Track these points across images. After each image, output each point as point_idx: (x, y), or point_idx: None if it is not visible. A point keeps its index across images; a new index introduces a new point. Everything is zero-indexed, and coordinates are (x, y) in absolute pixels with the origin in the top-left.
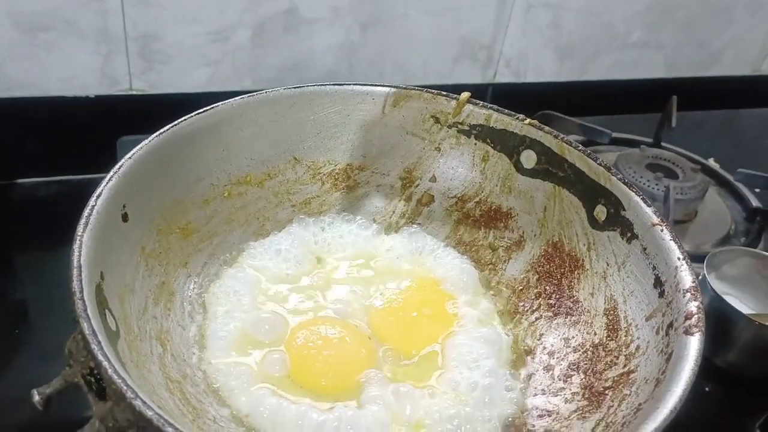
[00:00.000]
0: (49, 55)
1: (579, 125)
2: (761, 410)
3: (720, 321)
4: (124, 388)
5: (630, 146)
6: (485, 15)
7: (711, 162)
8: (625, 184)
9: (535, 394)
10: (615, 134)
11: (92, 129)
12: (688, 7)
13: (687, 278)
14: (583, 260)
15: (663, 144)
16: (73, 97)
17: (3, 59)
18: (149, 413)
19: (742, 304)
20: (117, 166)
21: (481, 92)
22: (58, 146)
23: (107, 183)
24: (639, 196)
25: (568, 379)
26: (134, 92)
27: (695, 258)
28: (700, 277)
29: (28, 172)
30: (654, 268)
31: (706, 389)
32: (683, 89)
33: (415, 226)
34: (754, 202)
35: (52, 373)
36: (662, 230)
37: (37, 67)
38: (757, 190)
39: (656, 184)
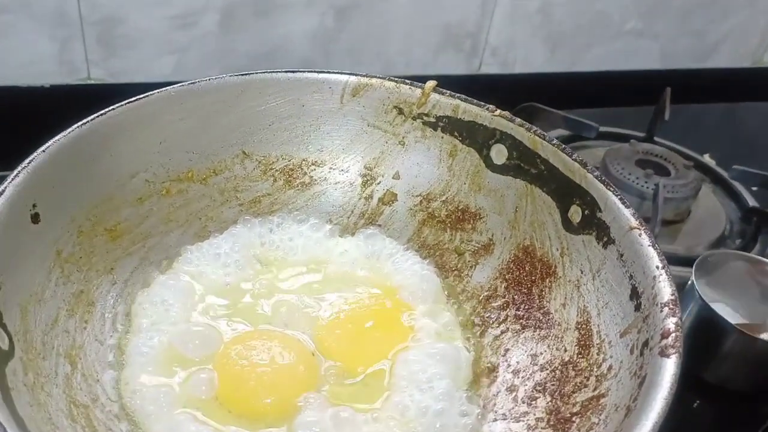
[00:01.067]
0: (4, 40)
1: (564, 118)
2: (753, 426)
3: (708, 332)
4: None
5: (620, 141)
6: (470, 1)
7: (706, 158)
8: (602, 182)
9: (495, 419)
10: (604, 128)
11: (49, 121)
12: None
13: (666, 290)
14: (555, 267)
15: (656, 139)
16: (27, 87)
17: None
18: None
19: (733, 312)
20: (26, 161)
21: (465, 83)
22: (11, 139)
23: (12, 180)
24: (617, 195)
25: (533, 402)
26: (93, 81)
27: (687, 261)
28: (689, 283)
29: None
30: (631, 277)
31: (695, 405)
32: (679, 81)
33: (375, 227)
34: (751, 202)
35: None
36: (641, 234)
37: None
38: (754, 188)
39: (645, 182)
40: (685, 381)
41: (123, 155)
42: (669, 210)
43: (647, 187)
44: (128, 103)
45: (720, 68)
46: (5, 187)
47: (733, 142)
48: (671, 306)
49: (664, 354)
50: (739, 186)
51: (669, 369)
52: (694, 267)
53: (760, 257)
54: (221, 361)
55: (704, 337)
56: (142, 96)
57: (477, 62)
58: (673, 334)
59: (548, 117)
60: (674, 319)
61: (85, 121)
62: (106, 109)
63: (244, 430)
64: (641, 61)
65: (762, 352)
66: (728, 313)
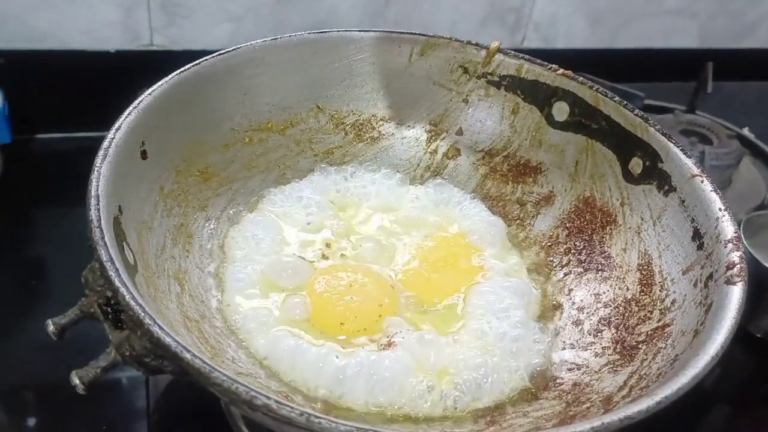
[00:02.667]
0: (71, 5)
1: (611, 88)
2: None
3: (755, 286)
4: (142, 314)
5: (663, 113)
6: None
7: (746, 131)
8: (664, 135)
9: (563, 348)
10: (647, 101)
11: (112, 85)
12: None
13: (728, 228)
14: (615, 215)
15: (697, 112)
16: (93, 51)
17: (25, 8)
18: (167, 339)
19: None
20: (136, 102)
21: None
22: (78, 101)
23: (126, 117)
24: (678, 146)
25: (599, 334)
26: (155, 48)
27: None
28: None
29: (48, 127)
30: (693, 220)
31: (738, 358)
32: (717, 60)
33: (440, 179)
34: None
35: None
36: (702, 181)
37: (59, 17)
38: None
39: (690, 149)
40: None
41: (211, 104)
42: (713, 177)
43: (692, 155)
44: (219, 54)
45: (758, 48)
46: (120, 124)
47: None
48: (734, 242)
49: (730, 282)
50: None
51: (736, 294)
52: (741, 226)
53: None
54: (312, 288)
55: (751, 291)
56: (229, 49)
57: (520, 37)
58: (738, 266)
59: None
60: (738, 253)
61: (181, 69)
62: (198, 60)
63: (337, 344)
64: (679, 39)
65: None
66: None
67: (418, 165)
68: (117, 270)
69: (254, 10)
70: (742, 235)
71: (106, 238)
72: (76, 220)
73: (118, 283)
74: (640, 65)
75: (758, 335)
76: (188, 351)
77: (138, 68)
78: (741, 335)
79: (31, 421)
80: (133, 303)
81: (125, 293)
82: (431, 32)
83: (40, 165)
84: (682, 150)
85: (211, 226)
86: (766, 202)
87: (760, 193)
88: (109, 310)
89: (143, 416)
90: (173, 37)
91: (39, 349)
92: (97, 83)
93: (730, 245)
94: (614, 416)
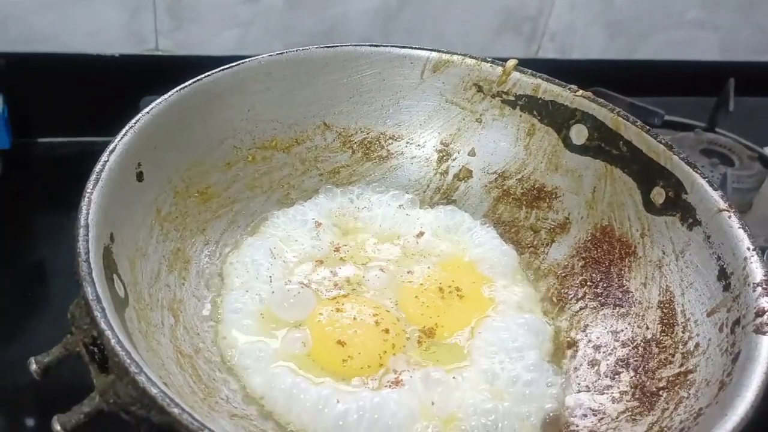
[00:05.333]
0: (75, 8)
1: (629, 104)
2: None
3: None
4: (128, 361)
5: (682, 129)
6: None
7: (767, 151)
8: (689, 164)
9: (579, 391)
10: (666, 117)
11: (116, 89)
12: None
13: (758, 271)
14: (635, 247)
15: (717, 129)
16: (97, 55)
17: (28, 10)
18: (154, 390)
19: None
20: (133, 121)
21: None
22: (80, 105)
23: (122, 138)
24: (704, 178)
25: (616, 377)
26: (160, 53)
27: None
28: None
29: (49, 131)
30: (719, 258)
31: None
32: (738, 74)
33: (451, 203)
34: None
35: (61, 339)
36: (730, 216)
37: (63, 20)
38: None
39: (711, 171)
40: None
41: (214, 121)
42: (732, 201)
43: (713, 176)
44: (222, 70)
45: None
46: (116, 145)
47: None
48: (765, 285)
49: (759, 331)
50: None
51: (766, 345)
52: (765, 255)
53: None
54: (314, 321)
55: None
56: (234, 64)
57: (535, 47)
58: None
59: (613, 102)
60: None
61: (183, 86)
62: (202, 75)
63: (337, 383)
64: (700, 52)
65: None
66: None
67: (428, 186)
68: (103, 309)
69: (262, 15)
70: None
71: (94, 273)
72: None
73: (103, 325)
74: (659, 78)
75: None
76: (176, 405)
77: (142, 73)
78: None
79: (24, 429)
80: (118, 348)
81: (111, 337)
82: (444, 41)
83: (41, 169)
84: (708, 182)
85: (210, 251)
86: None
87: None
88: (95, 351)
89: None
90: (179, 42)
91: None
92: (100, 87)
93: (759, 289)
94: None
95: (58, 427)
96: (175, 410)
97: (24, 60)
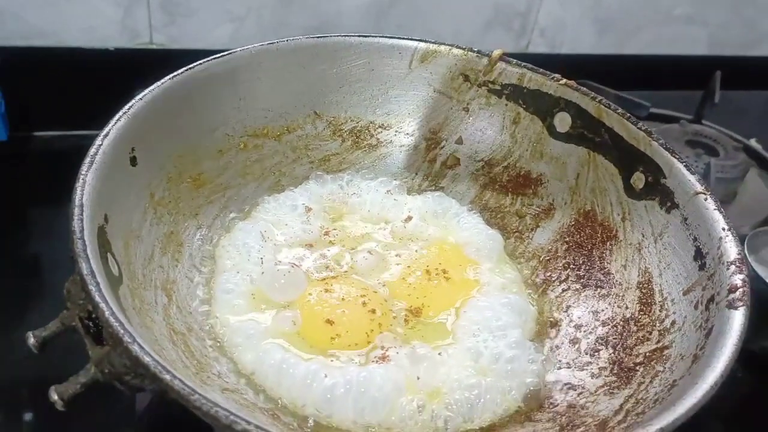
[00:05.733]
0: (70, 3)
1: (616, 96)
2: None
3: (758, 303)
4: (122, 331)
5: (669, 122)
6: None
7: (753, 142)
8: (668, 150)
9: (559, 368)
10: (654, 110)
11: (111, 83)
12: None
13: (732, 250)
14: (616, 230)
15: (704, 122)
16: (92, 48)
17: (24, 5)
18: (146, 359)
19: None
20: (127, 107)
21: None
22: (76, 99)
23: (115, 123)
24: (682, 162)
25: (596, 354)
26: (154, 46)
27: None
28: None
29: (45, 125)
30: (695, 239)
31: (738, 375)
32: (726, 68)
33: (439, 189)
34: None
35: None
36: (706, 199)
37: (58, 15)
38: None
39: (696, 161)
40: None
41: (206, 109)
42: (717, 190)
43: (697, 166)
44: (214, 58)
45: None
46: (109, 130)
47: None
48: (738, 264)
49: (732, 306)
50: None
51: (738, 319)
52: (745, 243)
53: None
54: (303, 301)
55: (753, 308)
56: (225, 53)
57: (525, 42)
58: (741, 289)
59: (599, 94)
60: (741, 276)
61: (175, 73)
62: (193, 64)
63: (326, 359)
64: (689, 47)
65: None
66: None
67: (416, 174)
68: (98, 284)
69: (256, 10)
70: (746, 251)
71: (88, 250)
72: None
73: (98, 298)
74: (648, 72)
75: (757, 352)
76: (168, 371)
77: (137, 66)
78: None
79: (22, 423)
80: (112, 319)
81: (105, 309)
82: (434, 36)
83: (37, 163)
84: (686, 166)
85: (202, 234)
86: None
87: (766, 207)
88: (90, 324)
89: (131, 424)
90: (173, 36)
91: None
92: (95, 81)
93: (732, 267)
94: None
95: (56, 397)
96: (167, 377)
97: (20, 55)
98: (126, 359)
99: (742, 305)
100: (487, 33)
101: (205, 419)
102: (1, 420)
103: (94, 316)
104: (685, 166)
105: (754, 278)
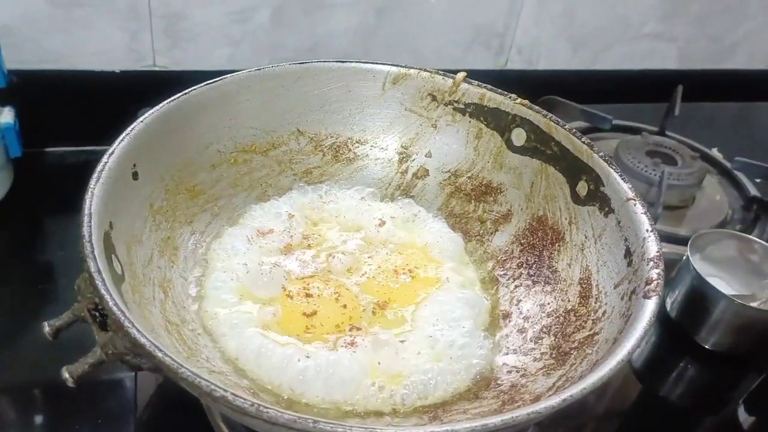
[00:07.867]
0: (84, 30)
1: (581, 111)
2: (745, 386)
3: (702, 301)
4: (122, 318)
5: (633, 133)
6: (499, 3)
7: (714, 152)
8: (605, 161)
9: (507, 353)
10: (618, 121)
11: (118, 102)
12: (702, 1)
13: (652, 248)
14: (564, 233)
15: (667, 133)
16: (100, 71)
17: (40, 33)
18: (143, 340)
19: (726, 285)
20: (129, 129)
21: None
22: (86, 117)
23: (119, 143)
24: (617, 172)
25: (539, 341)
26: (158, 68)
27: (687, 241)
28: (684, 258)
29: (58, 141)
30: (626, 239)
31: (691, 369)
32: (695, 81)
33: (409, 197)
34: (753, 191)
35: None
36: (635, 204)
37: (70, 40)
38: (758, 180)
39: (653, 170)
40: (681, 345)
41: (201, 128)
42: (674, 196)
43: (655, 175)
44: (207, 84)
45: (734, 69)
46: (114, 149)
47: (743, 139)
48: (656, 261)
49: (646, 296)
50: (742, 177)
51: (649, 307)
52: (689, 244)
53: (749, 236)
54: (283, 296)
55: (699, 306)
56: (218, 79)
57: (503, 59)
58: (655, 282)
59: (566, 109)
60: (657, 270)
61: (172, 98)
62: (189, 89)
63: (300, 343)
64: (659, 62)
65: (750, 319)
66: (720, 285)
67: (390, 184)
68: (104, 280)
69: (251, 34)
70: (690, 252)
71: (96, 252)
72: None
73: (103, 291)
74: (619, 87)
75: (707, 347)
76: (160, 350)
77: (141, 87)
78: (691, 348)
79: (30, 415)
80: (115, 309)
81: (109, 300)
82: (419, 55)
83: (49, 176)
84: (620, 175)
85: (196, 239)
86: (727, 219)
87: (721, 211)
88: (97, 314)
89: (131, 413)
90: (175, 59)
91: (44, 348)
92: (103, 100)
93: (651, 263)
94: (520, 412)
95: (67, 375)
96: (159, 354)
97: (35, 77)
98: (127, 342)
99: (655, 295)
100: (468, 52)
101: (190, 390)
102: (20, 399)
103: (100, 307)
104: (620, 175)
105: (696, 278)
